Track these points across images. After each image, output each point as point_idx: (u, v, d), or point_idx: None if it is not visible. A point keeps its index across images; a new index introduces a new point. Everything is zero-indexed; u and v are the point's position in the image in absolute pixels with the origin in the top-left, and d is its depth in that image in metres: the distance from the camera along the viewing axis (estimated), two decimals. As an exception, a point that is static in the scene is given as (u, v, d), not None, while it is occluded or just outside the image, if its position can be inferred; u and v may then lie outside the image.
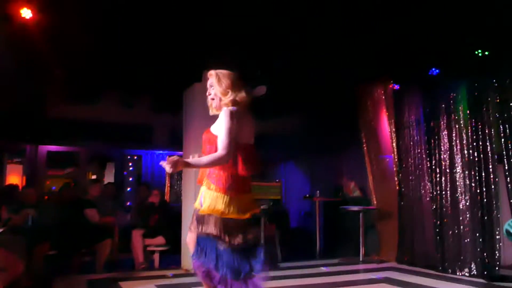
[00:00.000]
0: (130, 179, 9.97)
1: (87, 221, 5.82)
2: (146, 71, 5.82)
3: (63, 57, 5.46)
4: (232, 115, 2.84)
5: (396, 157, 6.39)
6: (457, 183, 5.40)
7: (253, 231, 3.02)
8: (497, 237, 4.93)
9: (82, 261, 5.82)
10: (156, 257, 6.10)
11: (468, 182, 5.27)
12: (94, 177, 10.39)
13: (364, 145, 6.94)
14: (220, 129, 2.83)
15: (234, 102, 2.95)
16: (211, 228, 2.77)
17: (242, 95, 2.99)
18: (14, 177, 9.38)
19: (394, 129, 6.43)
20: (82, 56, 5.39)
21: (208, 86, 3.08)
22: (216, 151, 2.78)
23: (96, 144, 9.05)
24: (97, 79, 6.37)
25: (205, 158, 2.77)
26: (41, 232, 5.22)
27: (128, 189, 9.72)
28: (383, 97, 6.65)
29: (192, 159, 2.88)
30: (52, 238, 5.39)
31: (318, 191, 7.53)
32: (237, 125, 2.84)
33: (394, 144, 6.43)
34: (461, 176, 5.37)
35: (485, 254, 4.99)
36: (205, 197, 2.80)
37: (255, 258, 2.79)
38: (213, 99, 3.05)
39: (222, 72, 3.05)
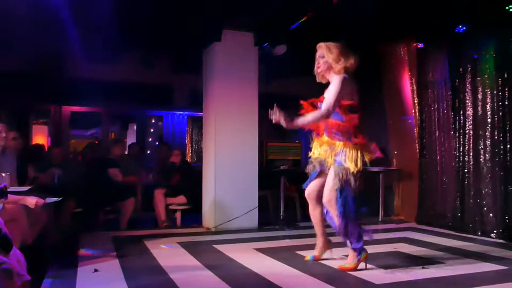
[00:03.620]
0: (151, 139, 10.12)
1: (111, 180, 5.97)
2: (166, 30, 5.75)
3: (84, 17, 5.44)
4: (344, 81, 3.37)
5: (418, 117, 6.28)
6: (481, 144, 5.30)
7: None
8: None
9: (107, 219, 6.01)
10: (178, 215, 6.25)
11: (492, 143, 5.17)
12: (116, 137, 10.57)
13: (386, 106, 6.83)
14: (329, 91, 3.39)
15: (345, 69, 3.43)
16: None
17: (351, 61, 3.45)
18: (40, 138, 9.64)
19: (416, 89, 6.29)
20: (103, 16, 5.35)
21: (317, 57, 3.59)
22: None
23: (118, 105, 9.15)
24: (118, 39, 6.34)
25: (310, 116, 3.38)
26: (67, 190, 5.40)
27: (149, 150, 9.88)
28: (406, 56, 6.46)
29: (298, 119, 3.37)
30: (78, 196, 5.58)
31: (338, 152, 7.48)
32: (344, 91, 3.38)
33: (416, 104, 6.30)
34: (485, 137, 5.26)
35: (506, 216, 4.95)
36: None
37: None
38: (320, 68, 3.53)
39: (331, 43, 3.53)
